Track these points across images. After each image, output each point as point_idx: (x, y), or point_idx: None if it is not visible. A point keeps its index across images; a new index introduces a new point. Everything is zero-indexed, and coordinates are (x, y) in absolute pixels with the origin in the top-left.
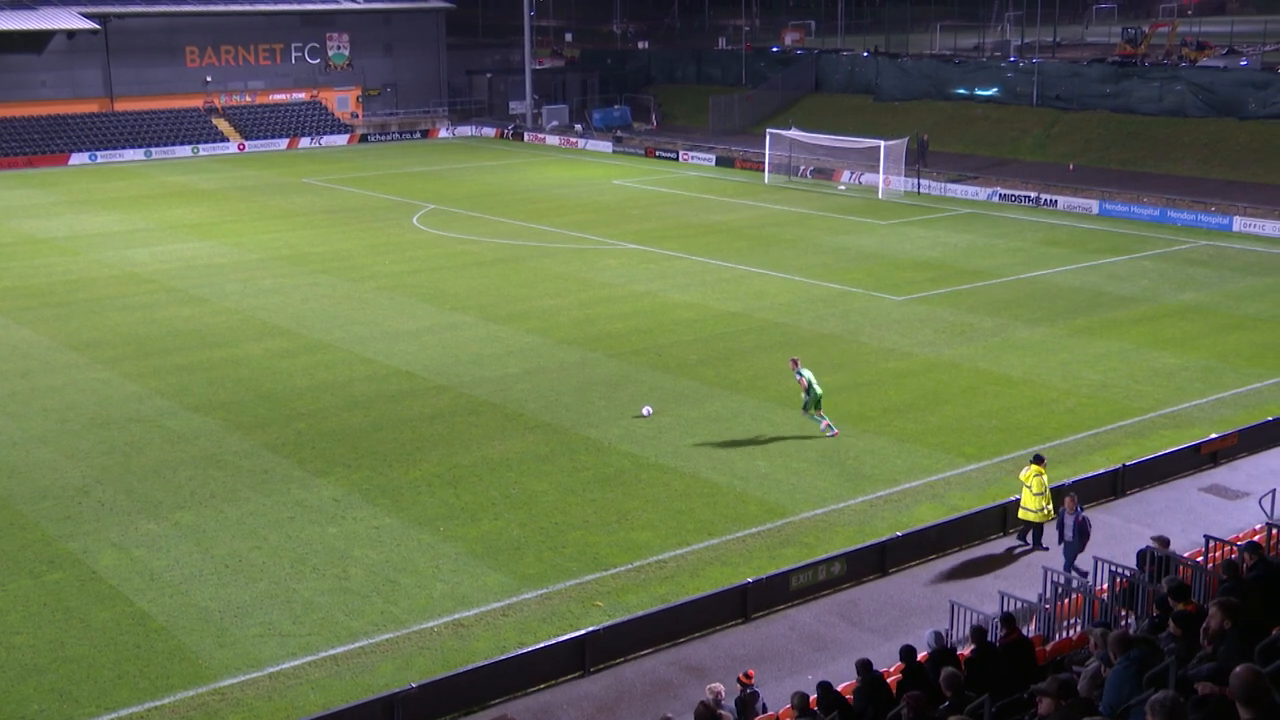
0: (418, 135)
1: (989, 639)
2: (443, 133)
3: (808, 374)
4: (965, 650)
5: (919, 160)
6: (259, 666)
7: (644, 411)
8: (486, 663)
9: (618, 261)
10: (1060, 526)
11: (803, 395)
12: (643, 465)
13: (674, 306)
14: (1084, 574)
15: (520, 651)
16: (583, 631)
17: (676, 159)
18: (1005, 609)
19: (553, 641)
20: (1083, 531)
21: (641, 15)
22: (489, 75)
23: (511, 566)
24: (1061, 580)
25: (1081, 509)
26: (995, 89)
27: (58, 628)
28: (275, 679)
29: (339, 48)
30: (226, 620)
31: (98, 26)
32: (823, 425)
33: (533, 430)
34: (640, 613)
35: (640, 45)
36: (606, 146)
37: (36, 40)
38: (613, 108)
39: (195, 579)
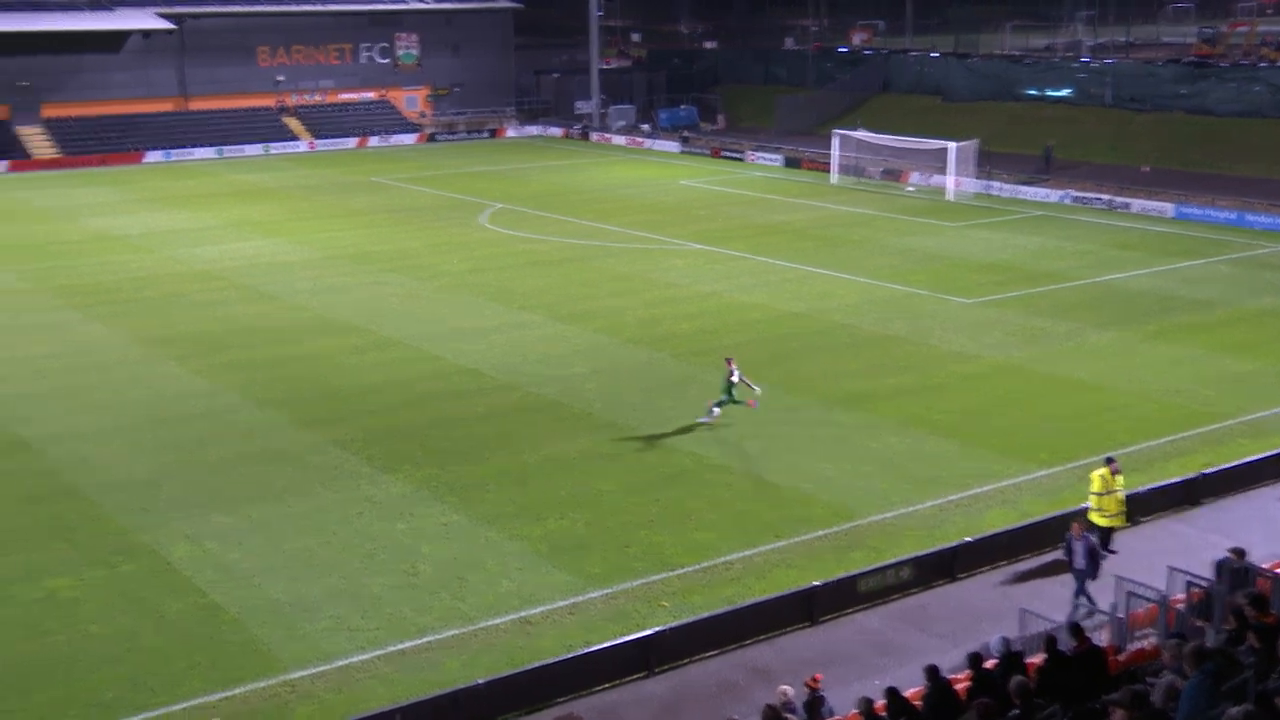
0: (485, 135)
1: (1060, 648)
2: (510, 132)
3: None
4: (1035, 658)
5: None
6: (328, 659)
7: (712, 412)
8: (553, 661)
9: (684, 262)
10: (1069, 553)
11: (729, 388)
12: (707, 466)
13: (739, 307)
14: (1093, 602)
15: (586, 650)
16: (649, 631)
17: (743, 159)
18: (1075, 617)
19: (619, 641)
20: (1093, 556)
21: (708, 15)
22: (556, 75)
23: (577, 565)
24: (1078, 609)
25: (1089, 534)
26: (1067, 90)
27: (132, 618)
28: (344, 672)
29: (408, 47)
30: (296, 614)
31: (174, 26)
32: (710, 414)
33: (598, 429)
34: (706, 614)
35: (707, 45)
36: (673, 146)
37: (113, 40)
38: (679, 108)
39: (266, 572)
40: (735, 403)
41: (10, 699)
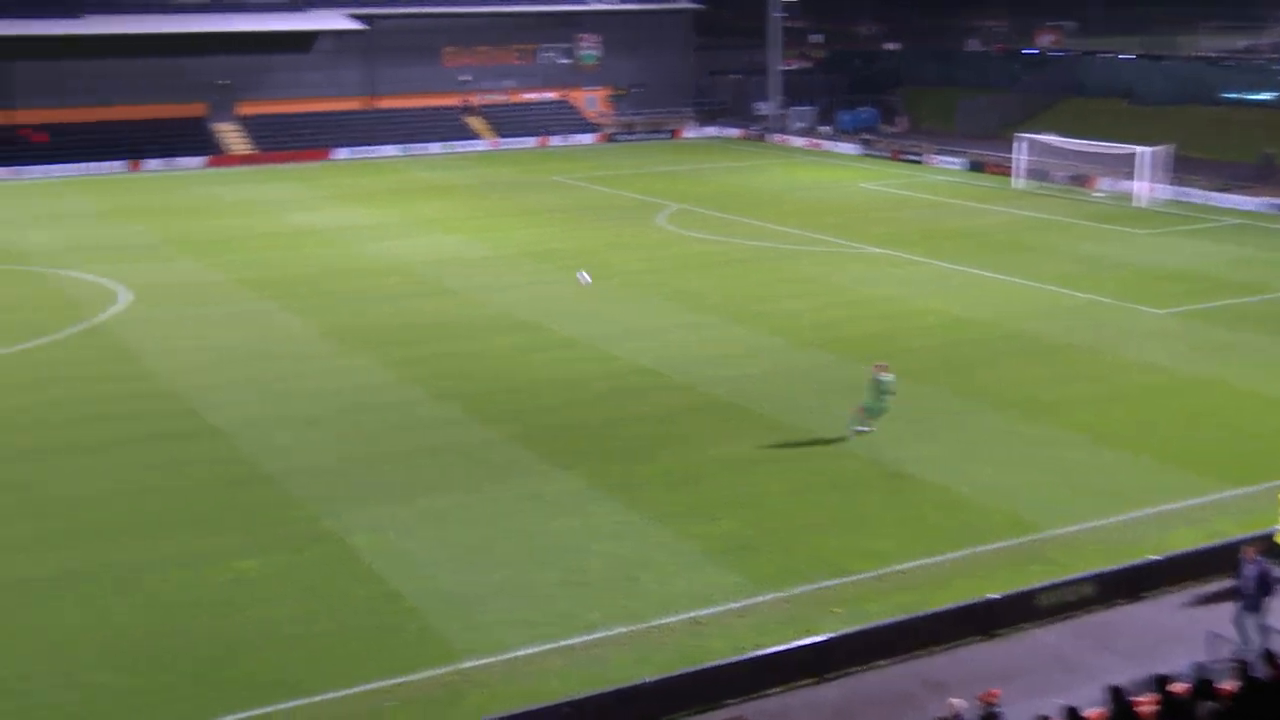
0: (663, 135)
1: (1254, 674)
2: (688, 133)
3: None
4: (1226, 685)
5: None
6: (501, 651)
7: (581, 278)
8: (724, 662)
9: (861, 265)
10: (1240, 577)
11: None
12: (882, 472)
13: (917, 313)
14: (1248, 634)
15: (758, 653)
16: (823, 637)
17: (923, 162)
18: (1267, 643)
19: (792, 645)
20: (1264, 583)
21: (890, 16)
22: (734, 76)
23: (748, 567)
24: (1236, 644)
25: (1263, 559)
26: (1270, 93)
27: (314, 602)
28: (515, 664)
29: (588, 48)
30: (470, 604)
31: (365, 27)
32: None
33: (770, 431)
34: (881, 621)
35: (888, 46)
36: (852, 149)
37: (305, 40)
38: (859, 109)
39: (442, 563)
40: (882, 410)
41: (201, 674)
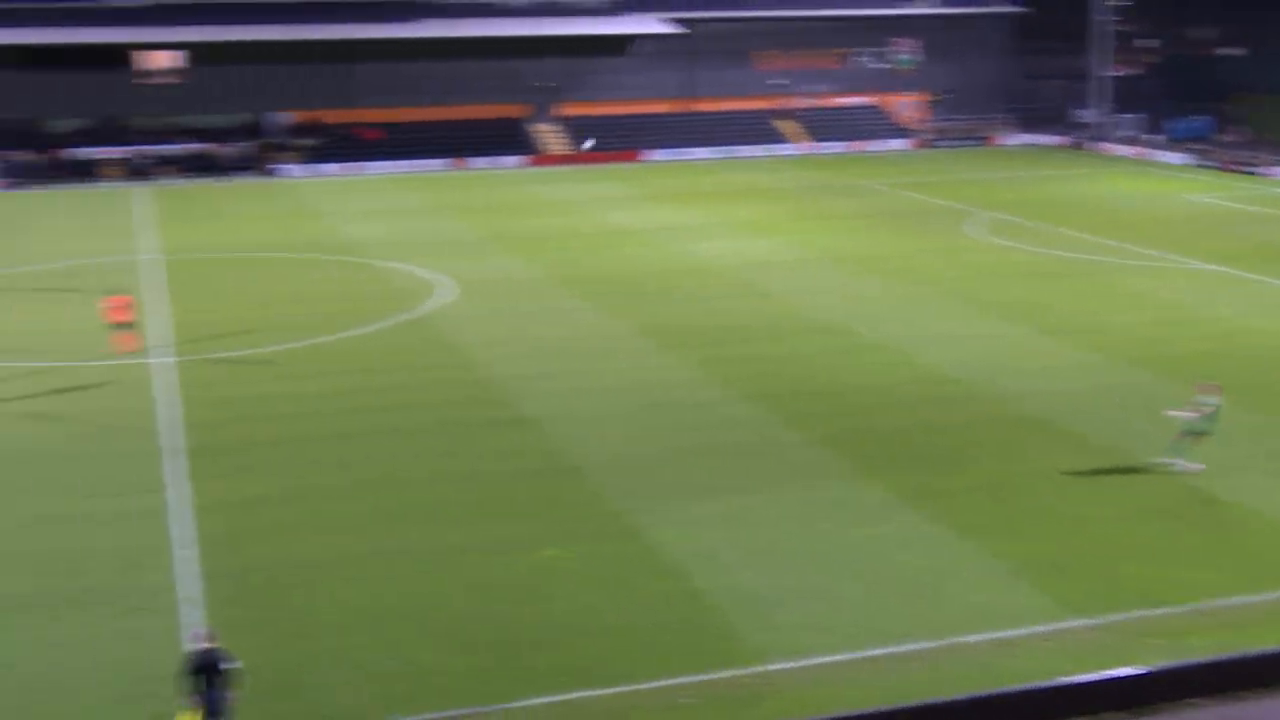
0: (977, 141)
1: None
2: (1004, 140)
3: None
4: None
5: None
6: (800, 655)
7: (585, 145)
8: (1030, 687)
9: (1189, 281)
10: None
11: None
12: (1203, 499)
13: (1250, 333)
14: None
15: (1067, 681)
16: (1139, 670)
17: (1260, 175)
18: None
19: (1105, 675)
20: None
21: (1228, 19)
22: (1056, 81)
23: (1057, 590)
24: None
25: None
26: None
27: (616, 593)
28: (814, 670)
29: (903, 52)
30: (770, 607)
31: (686, 31)
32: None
33: (1086, 450)
34: (1200, 659)
35: (1225, 51)
36: (1180, 159)
37: (623, 44)
38: (1192, 118)
39: (743, 563)
40: (1206, 433)
41: (509, 657)
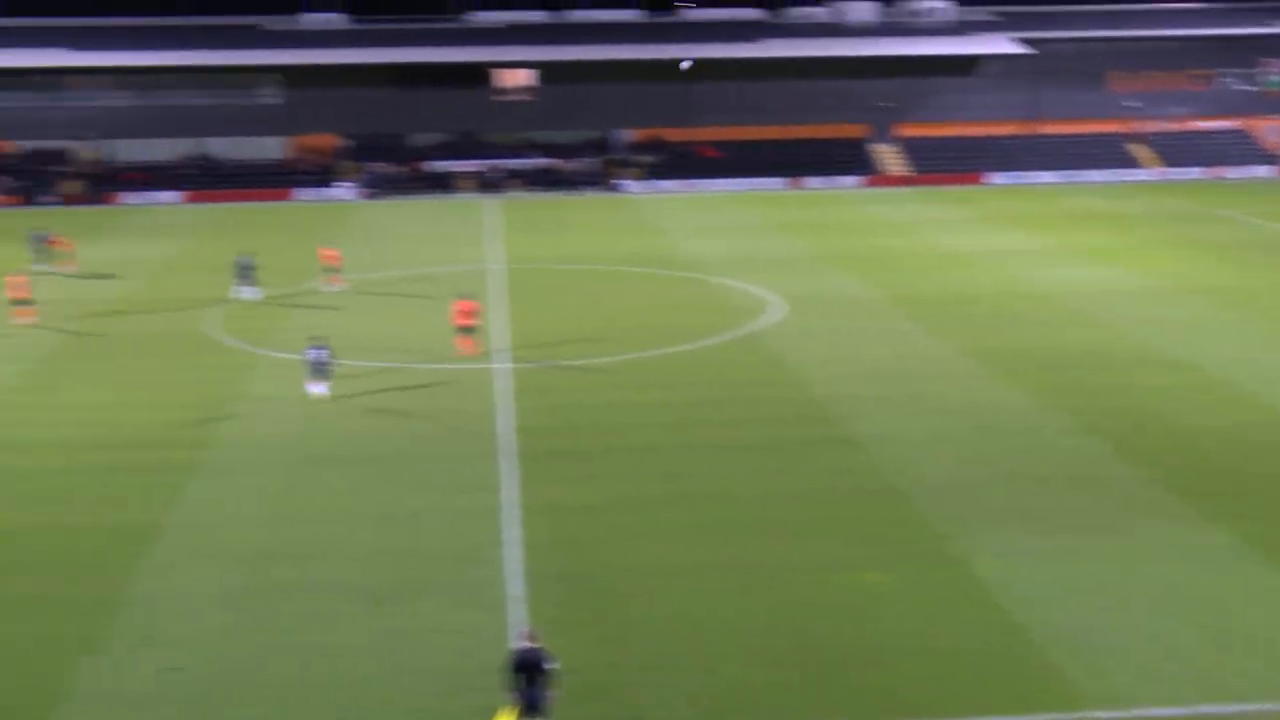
0: None
1: None
2: None
3: None
4: None
5: None
6: (1129, 705)
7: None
8: None
9: None
10: None
11: None
12: None
13: None
14: None
15: None
16: None
17: None
18: None
19: None
20: None
21: None
22: None
23: None
24: None
25: None
26: None
27: (934, 622)
28: None
29: (1274, 73)
30: (1097, 651)
31: (1034, 52)
32: None
33: None
34: None
35: None
36: None
37: (968, 64)
38: None
39: (1069, 602)
40: None
41: (823, 677)
